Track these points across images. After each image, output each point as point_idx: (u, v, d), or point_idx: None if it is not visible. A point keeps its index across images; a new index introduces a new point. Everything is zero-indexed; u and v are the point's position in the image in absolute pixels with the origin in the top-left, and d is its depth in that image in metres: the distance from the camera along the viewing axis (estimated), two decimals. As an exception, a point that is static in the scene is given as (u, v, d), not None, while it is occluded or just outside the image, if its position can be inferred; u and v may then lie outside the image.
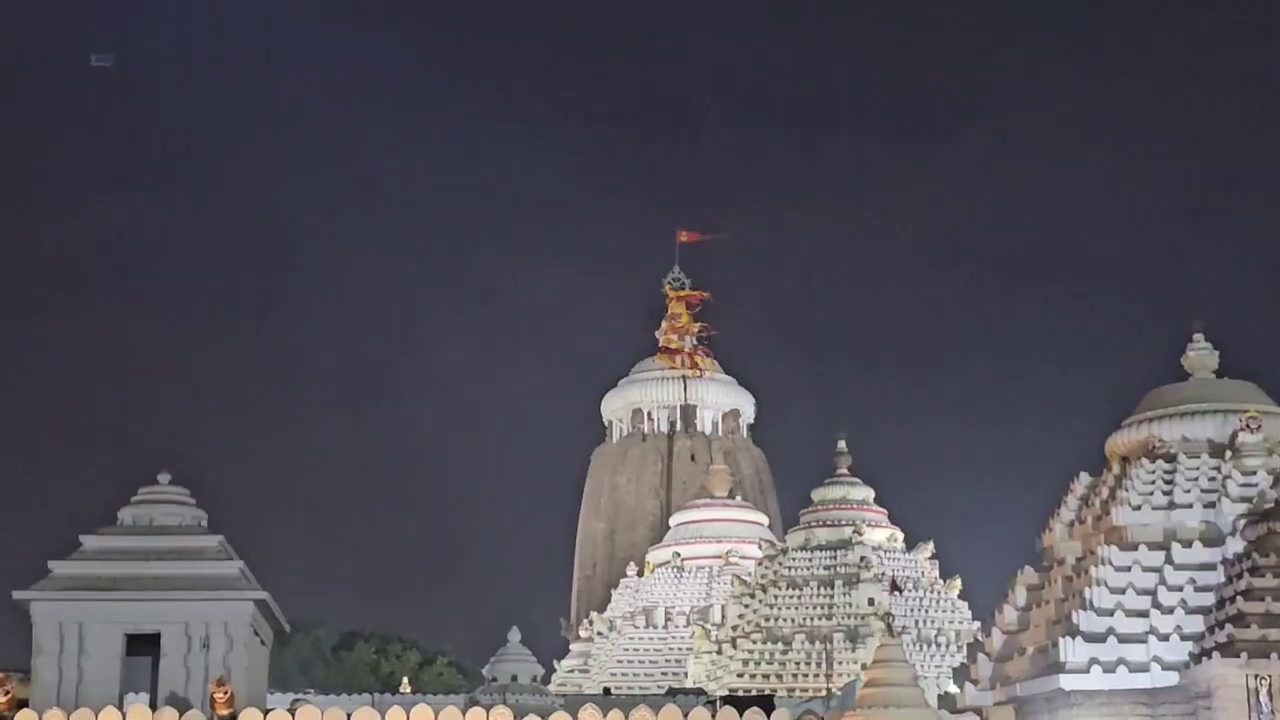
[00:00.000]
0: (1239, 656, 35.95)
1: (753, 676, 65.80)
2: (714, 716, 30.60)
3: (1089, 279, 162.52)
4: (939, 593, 69.72)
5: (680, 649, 75.81)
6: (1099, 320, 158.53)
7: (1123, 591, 40.55)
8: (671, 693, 58.69)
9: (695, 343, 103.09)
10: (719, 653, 69.22)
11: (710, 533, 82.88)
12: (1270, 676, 35.61)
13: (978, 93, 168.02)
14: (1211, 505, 42.24)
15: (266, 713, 31.44)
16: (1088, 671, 38.86)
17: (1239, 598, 37.44)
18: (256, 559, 35.25)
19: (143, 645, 33.63)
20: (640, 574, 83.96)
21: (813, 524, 71.09)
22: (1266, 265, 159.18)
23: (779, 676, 65.60)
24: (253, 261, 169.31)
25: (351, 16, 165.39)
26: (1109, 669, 38.77)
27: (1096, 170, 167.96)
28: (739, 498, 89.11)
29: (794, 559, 69.88)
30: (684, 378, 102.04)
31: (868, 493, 72.55)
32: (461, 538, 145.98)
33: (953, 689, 48.17)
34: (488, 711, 30.83)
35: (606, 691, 64.32)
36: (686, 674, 71.53)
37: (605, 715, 30.83)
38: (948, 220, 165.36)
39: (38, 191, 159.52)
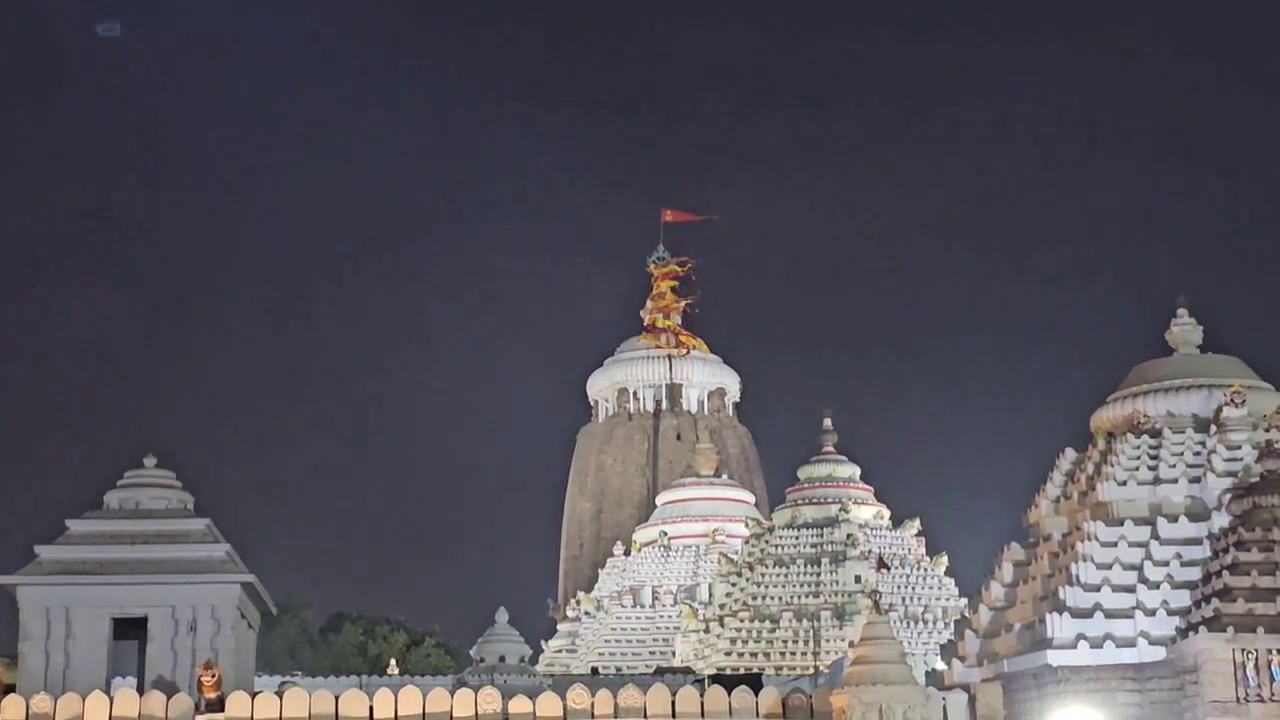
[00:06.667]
0: (1225, 631, 35.98)
1: (740, 655, 65.85)
2: (702, 695, 30.56)
3: (1074, 256, 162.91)
4: (926, 569, 69.81)
5: (668, 628, 75.90)
6: (1084, 297, 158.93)
7: (1109, 567, 40.57)
8: (659, 672, 58.90)
9: (680, 319, 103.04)
10: (706, 631, 69.26)
11: (697, 511, 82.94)
12: (1256, 650, 35.65)
13: (966, 70, 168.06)
14: (1197, 480, 42.25)
15: (254, 695, 31.35)
16: (1075, 647, 38.86)
17: (1225, 572, 37.50)
18: (243, 542, 35.17)
19: (129, 629, 33.55)
20: (627, 553, 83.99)
21: (799, 502, 71.11)
22: (1250, 240, 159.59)
23: (766, 655, 65.66)
24: (241, 250, 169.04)
25: (343, 6, 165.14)
26: (1096, 645, 38.77)
27: (1082, 148, 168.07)
28: (725, 476, 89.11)
29: (781, 537, 69.90)
30: (669, 357, 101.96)
31: (854, 470, 72.59)
32: (448, 519, 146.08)
33: (940, 666, 48.21)
34: (475, 692, 30.76)
35: (594, 671, 64.47)
36: (674, 653, 71.61)
37: (593, 695, 30.80)
38: (934, 198, 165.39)
39: (37, 173, 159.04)
